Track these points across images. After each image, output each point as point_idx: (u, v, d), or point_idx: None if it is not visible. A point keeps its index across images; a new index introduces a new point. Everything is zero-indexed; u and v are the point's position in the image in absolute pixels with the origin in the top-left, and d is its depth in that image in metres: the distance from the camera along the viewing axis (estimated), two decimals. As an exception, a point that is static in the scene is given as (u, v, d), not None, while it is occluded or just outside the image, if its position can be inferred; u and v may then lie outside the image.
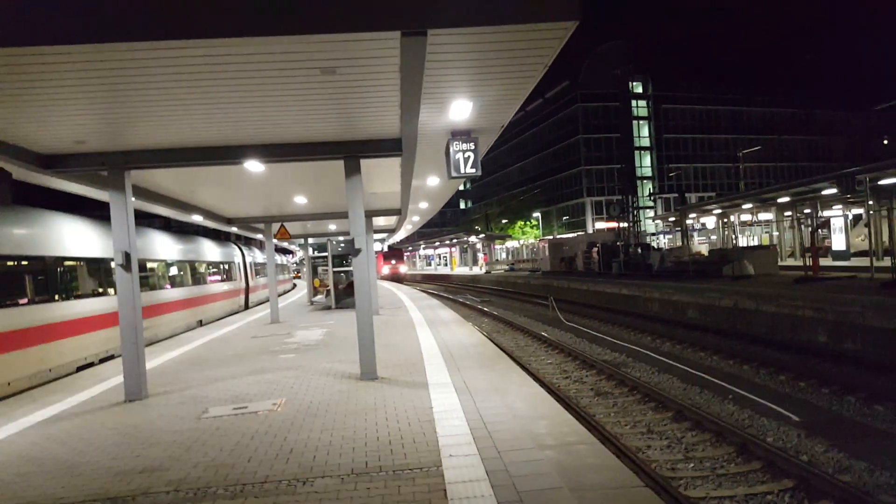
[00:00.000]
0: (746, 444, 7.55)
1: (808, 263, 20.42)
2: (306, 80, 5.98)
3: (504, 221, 78.71)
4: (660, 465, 7.30)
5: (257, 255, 32.78)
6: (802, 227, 37.01)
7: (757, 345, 14.09)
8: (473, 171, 8.37)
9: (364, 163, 9.16)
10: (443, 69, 5.88)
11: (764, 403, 9.41)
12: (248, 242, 39.15)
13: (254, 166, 9.68)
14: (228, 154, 8.74)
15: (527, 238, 76.09)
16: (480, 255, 73.98)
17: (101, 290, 13.48)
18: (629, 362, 13.36)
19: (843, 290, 15.00)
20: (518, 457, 5.12)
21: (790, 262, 32.80)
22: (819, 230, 22.50)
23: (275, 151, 8.81)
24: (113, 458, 5.80)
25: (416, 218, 25.45)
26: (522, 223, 76.04)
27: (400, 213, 19.43)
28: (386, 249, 66.52)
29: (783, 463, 6.88)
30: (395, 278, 62.37)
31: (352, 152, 8.86)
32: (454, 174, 8.34)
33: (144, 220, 11.69)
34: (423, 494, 4.50)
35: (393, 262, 66.36)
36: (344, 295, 23.31)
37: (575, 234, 58.55)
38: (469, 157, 8.35)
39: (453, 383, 8.22)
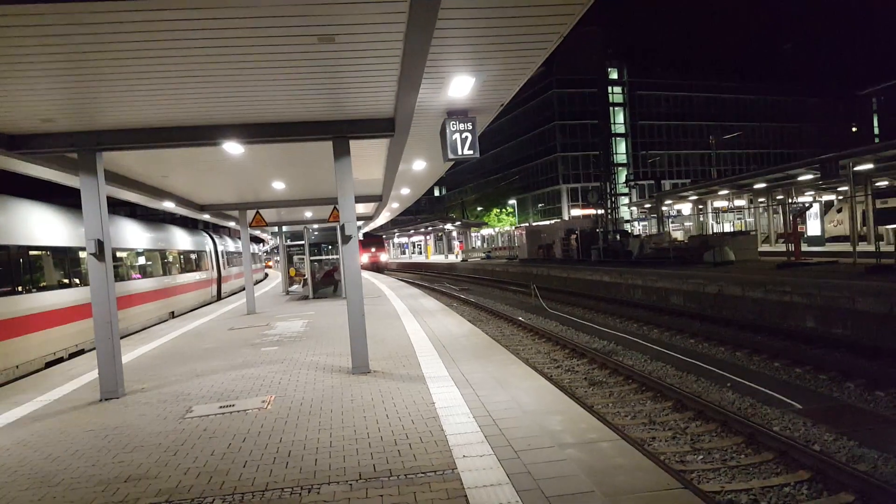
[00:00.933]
0: (754, 434, 7.35)
1: (790, 249, 20.52)
2: (300, 49, 5.47)
3: (479, 209, 78.40)
4: (668, 457, 7.06)
5: (229, 244, 31.89)
6: (777, 213, 37.55)
7: (746, 331, 14.02)
8: (471, 152, 7.94)
9: (347, 145, 8.65)
10: (449, 39, 5.43)
11: (763, 391, 9.26)
12: (218, 230, 38.13)
13: (233, 148, 9.13)
14: (208, 134, 8.16)
15: (503, 225, 76.00)
16: (456, 244, 73.66)
17: (69, 280, 12.75)
18: (619, 350, 13.16)
19: (827, 275, 15.04)
20: (538, 457, 4.77)
21: (765, 247, 33.18)
22: (797, 215, 22.66)
23: (258, 132, 8.25)
24: (93, 465, 5.29)
25: (395, 205, 24.91)
26: (498, 210, 75.84)
27: (381, 199, 18.92)
28: (361, 237, 60.86)
29: (796, 453, 6.68)
30: (376, 268, 57.36)
31: (341, 133, 8.35)
32: (451, 156, 7.89)
33: (112, 207, 10.94)
34: (443, 502, 4.12)
35: (373, 249, 60.04)
36: (321, 284, 22.77)
37: (552, 222, 58.54)
38: (467, 137, 7.91)
39: (451, 376, 7.85)
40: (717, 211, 45.31)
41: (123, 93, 6.49)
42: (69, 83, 6.06)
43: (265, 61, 5.74)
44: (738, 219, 49.42)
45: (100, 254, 7.76)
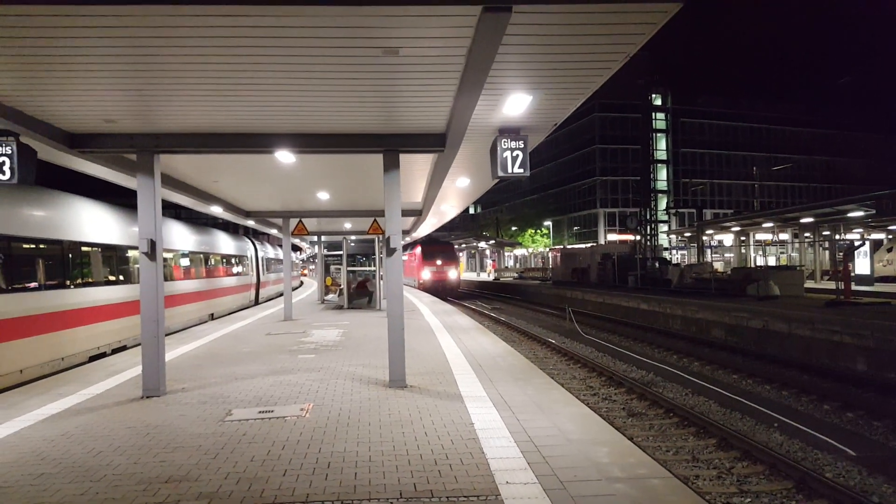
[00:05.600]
0: (805, 480, 7.02)
1: (838, 286, 19.81)
2: (363, 62, 5.48)
3: (514, 228, 78.06)
4: (713, 497, 6.79)
5: (269, 250, 32.38)
6: (821, 248, 36.44)
7: (792, 370, 13.53)
8: (521, 171, 7.83)
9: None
10: (512, 55, 5.37)
11: (814, 434, 8.88)
12: (258, 236, 38.73)
13: (285, 157, 9.22)
14: (263, 142, 8.26)
15: (537, 246, 75.47)
16: (489, 262, 73.41)
17: (116, 277, 13.05)
18: (658, 381, 12.83)
19: (881, 315, 14.42)
20: (585, 489, 4.60)
21: (809, 283, 32.14)
22: (849, 252, 21.87)
23: (311, 142, 8.31)
24: (135, 463, 5.32)
25: (433, 220, 24.94)
26: (533, 231, 75.36)
27: (420, 213, 18.94)
28: (405, 242, 35.26)
29: None
30: (442, 288, 38.47)
31: (392, 146, 8.38)
32: (501, 173, 7.79)
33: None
34: (488, 528, 4.00)
35: (438, 262, 39.91)
36: (356, 295, 22.87)
37: (588, 245, 57.71)
38: (517, 156, 7.81)
39: (489, 397, 7.71)
40: (759, 243, 44.18)
41: (184, 97, 6.60)
42: (132, 85, 6.18)
43: (328, 72, 5.77)
44: (782, 252, 48.09)
45: (151, 253, 7.90)
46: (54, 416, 7.04)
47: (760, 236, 42.55)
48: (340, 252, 23.10)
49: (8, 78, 5.83)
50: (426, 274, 39.51)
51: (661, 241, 57.14)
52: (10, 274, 9.39)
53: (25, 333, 9.52)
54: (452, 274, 40.20)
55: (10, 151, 7.05)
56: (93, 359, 11.65)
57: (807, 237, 37.68)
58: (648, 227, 37.49)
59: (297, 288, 43.69)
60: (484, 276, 64.90)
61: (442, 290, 37.56)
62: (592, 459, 5.27)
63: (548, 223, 75.89)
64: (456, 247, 50.90)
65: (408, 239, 35.19)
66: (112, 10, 4.35)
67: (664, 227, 61.89)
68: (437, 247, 41.84)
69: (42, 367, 10.03)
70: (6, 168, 7.05)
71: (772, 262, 45.15)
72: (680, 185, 75.36)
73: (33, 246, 10.22)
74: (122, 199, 14.13)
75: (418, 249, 41.64)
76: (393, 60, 5.50)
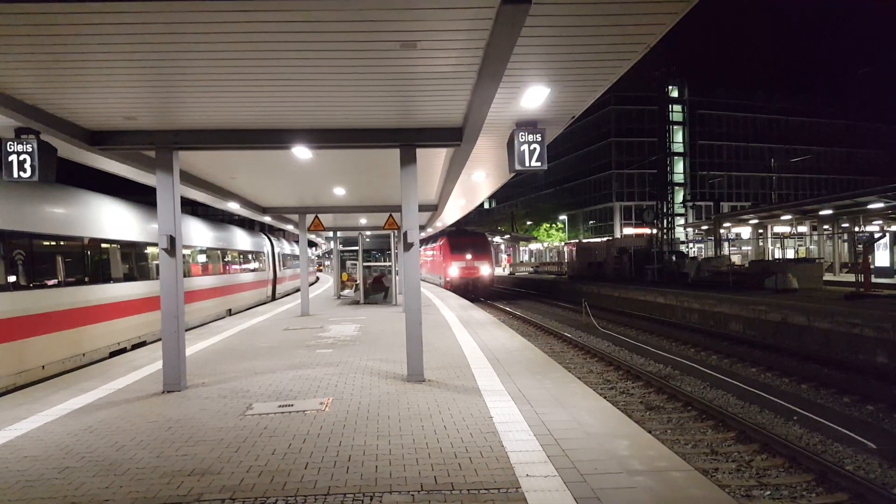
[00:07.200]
0: (826, 473, 6.95)
1: (858, 279, 19.54)
2: (381, 56, 5.49)
3: (529, 223, 77.81)
4: (732, 490, 6.75)
5: (285, 246, 32.58)
6: (840, 241, 35.99)
7: (812, 363, 13.38)
8: (539, 164, 7.79)
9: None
10: (531, 48, 5.34)
11: (833, 427, 8.79)
12: (274, 232, 39.00)
13: (302, 152, 9.26)
14: (280, 138, 8.30)
15: (552, 241, 75.20)
16: (504, 256, 73.32)
17: (135, 274, 13.20)
18: (676, 375, 12.75)
19: (903, 309, 14.21)
20: (606, 482, 4.59)
21: (828, 276, 31.74)
22: (869, 244, 21.58)
23: (328, 137, 8.34)
24: (157, 456, 5.39)
25: (449, 215, 24.94)
26: (548, 225, 75.06)
27: (436, 208, 18.92)
28: (424, 234, 33.00)
29: (873, 497, 6.28)
30: (473, 286, 33.09)
31: (409, 140, 8.37)
32: (518, 167, 7.77)
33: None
34: (510, 521, 4.00)
35: (468, 256, 33.64)
36: (372, 290, 22.95)
37: (604, 239, 57.35)
38: (535, 149, 7.77)
39: (507, 391, 7.71)
40: (777, 236, 43.67)
41: (202, 94, 6.64)
42: (152, 82, 6.22)
43: (345, 66, 5.77)
44: (800, 245, 47.50)
45: (171, 249, 7.97)
46: (77, 410, 7.15)
47: (778, 229, 42.06)
48: (356, 248, 23.20)
49: (29, 76, 5.90)
50: (454, 270, 33.42)
51: (677, 235, 56.60)
52: (32, 271, 9.53)
53: (47, 329, 9.67)
54: (485, 270, 33.95)
55: (30, 149, 7.16)
56: (113, 354, 11.82)
57: (826, 229, 37.20)
58: (665, 221, 37.18)
59: (312, 283, 43.96)
60: (499, 271, 64.81)
61: (473, 290, 32.39)
62: (612, 452, 5.25)
63: (563, 217, 75.56)
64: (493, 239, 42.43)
65: (422, 235, 34.27)
66: (132, 6, 4.38)
67: (681, 221, 61.40)
68: (468, 238, 35.30)
69: (63, 362, 10.19)
70: (27, 166, 7.16)
71: (790, 254, 44.57)
72: (697, 178, 74.61)
73: (54, 243, 10.36)
74: (140, 197, 14.29)
75: (444, 242, 35.57)
76: (410, 54, 5.50)
